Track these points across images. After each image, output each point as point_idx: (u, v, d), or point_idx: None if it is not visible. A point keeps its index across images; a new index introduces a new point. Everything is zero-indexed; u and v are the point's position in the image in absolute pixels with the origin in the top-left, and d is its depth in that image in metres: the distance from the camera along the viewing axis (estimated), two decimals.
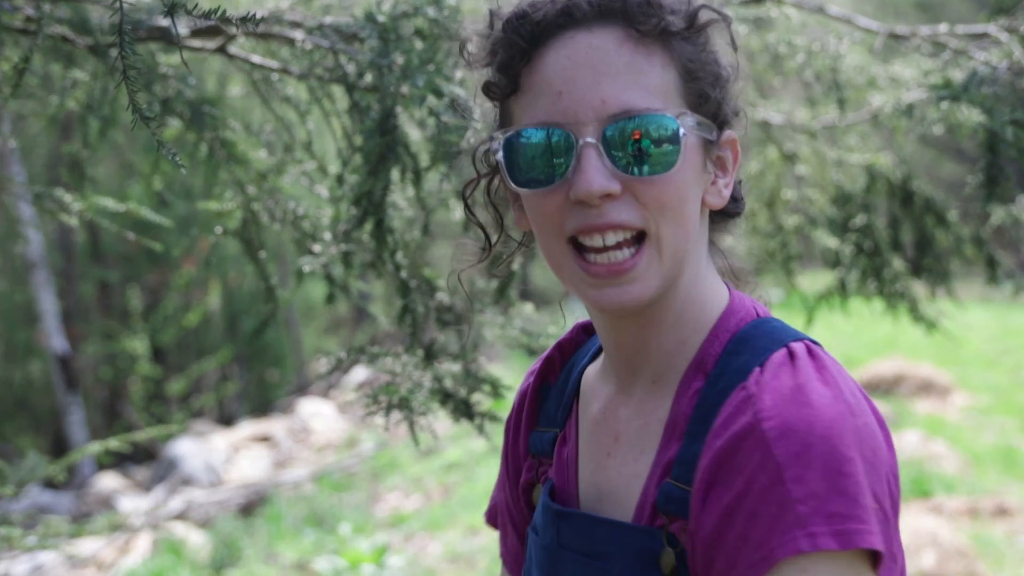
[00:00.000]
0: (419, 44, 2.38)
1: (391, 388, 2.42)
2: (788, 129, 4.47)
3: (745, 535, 1.12)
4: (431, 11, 2.39)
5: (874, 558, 1.12)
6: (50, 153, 12.07)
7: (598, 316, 1.37)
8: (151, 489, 10.48)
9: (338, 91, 2.77)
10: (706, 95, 1.28)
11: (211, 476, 10.49)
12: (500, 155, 1.30)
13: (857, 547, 1.09)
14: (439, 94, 2.26)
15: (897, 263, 4.21)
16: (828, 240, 4.40)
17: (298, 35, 2.56)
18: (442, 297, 2.69)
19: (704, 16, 1.29)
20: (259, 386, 16.48)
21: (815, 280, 4.97)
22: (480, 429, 2.56)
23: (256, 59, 2.85)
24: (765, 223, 4.68)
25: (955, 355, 11.66)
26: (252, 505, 9.29)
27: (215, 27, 2.61)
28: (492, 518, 1.65)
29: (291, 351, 16.79)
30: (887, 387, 10.71)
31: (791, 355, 1.22)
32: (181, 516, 8.92)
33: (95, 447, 3.86)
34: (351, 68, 2.46)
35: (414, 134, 2.55)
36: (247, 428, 13.01)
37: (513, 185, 1.30)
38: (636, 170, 1.22)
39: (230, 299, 15.66)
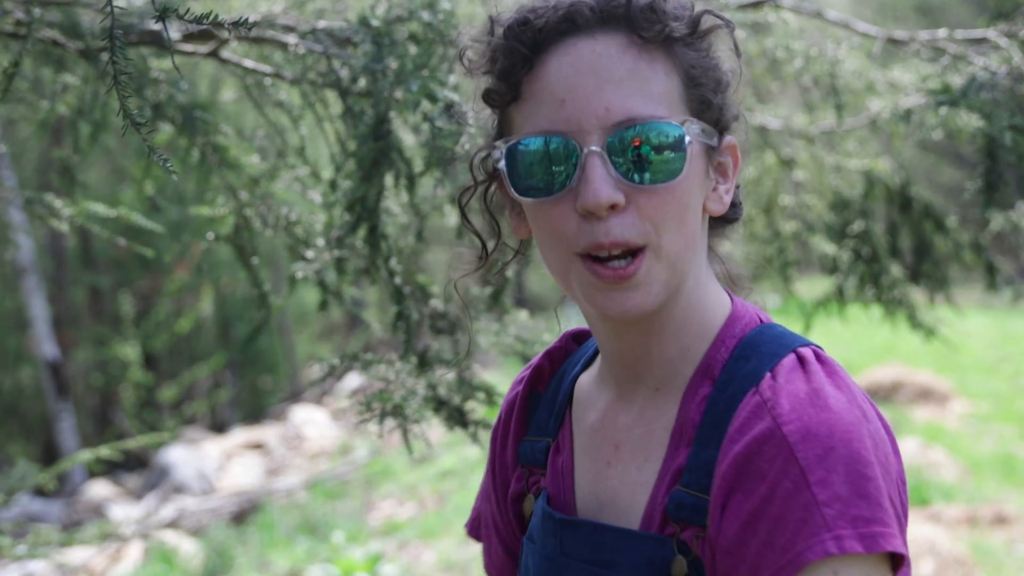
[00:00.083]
0: (413, 49, 2.36)
1: (385, 395, 2.41)
2: (786, 134, 4.47)
3: (770, 540, 1.11)
4: (425, 15, 2.37)
5: (894, 561, 1.12)
6: (40, 158, 12.05)
7: (600, 324, 1.35)
8: (143, 497, 10.44)
9: (331, 96, 2.75)
10: (708, 101, 1.27)
11: (203, 484, 10.46)
12: (502, 163, 1.28)
13: (882, 550, 1.09)
14: (433, 99, 2.25)
15: (895, 269, 4.21)
16: (826, 246, 4.40)
17: (291, 39, 2.55)
18: (436, 304, 2.67)
19: (707, 22, 1.28)
20: (252, 393, 16.46)
21: (813, 286, 4.97)
22: (474, 437, 2.54)
23: (249, 63, 2.83)
24: (762, 229, 4.67)
25: (954, 362, 11.67)
26: (244, 513, 9.26)
27: (207, 31, 2.59)
28: (474, 530, 1.64)
29: (284, 358, 16.77)
30: (885, 394, 10.70)
31: (801, 360, 1.22)
32: (173, 524, 8.89)
33: (86, 455, 3.84)
34: (344, 73, 2.45)
35: (408, 139, 2.53)
36: (239, 435, 12.98)
37: (515, 194, 1.28)
38: (641, 178, 1.21)
39: (223, 305, 15.64)
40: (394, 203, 2.54)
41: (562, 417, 1.46)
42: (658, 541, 1.24)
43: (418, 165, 2.42)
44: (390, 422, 2.40)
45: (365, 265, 2.55)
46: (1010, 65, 2.79)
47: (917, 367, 11.55)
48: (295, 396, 15.90)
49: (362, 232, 2.39)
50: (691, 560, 1.21)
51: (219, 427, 14.98)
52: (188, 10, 1.33)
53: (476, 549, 7.36)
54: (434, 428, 2.58)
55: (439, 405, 2.53)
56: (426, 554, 7.56)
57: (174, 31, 2.61)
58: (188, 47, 2.76)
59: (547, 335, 2.81)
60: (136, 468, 12.11)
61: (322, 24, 2.55)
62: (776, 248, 4.68)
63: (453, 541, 7.68)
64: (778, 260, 4.69)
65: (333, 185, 2.60)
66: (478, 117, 1.41)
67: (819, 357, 1.23)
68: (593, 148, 1.20)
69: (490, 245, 1.43)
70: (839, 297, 4.36)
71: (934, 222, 4.18)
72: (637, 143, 1.20)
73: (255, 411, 15.79)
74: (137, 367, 13.91)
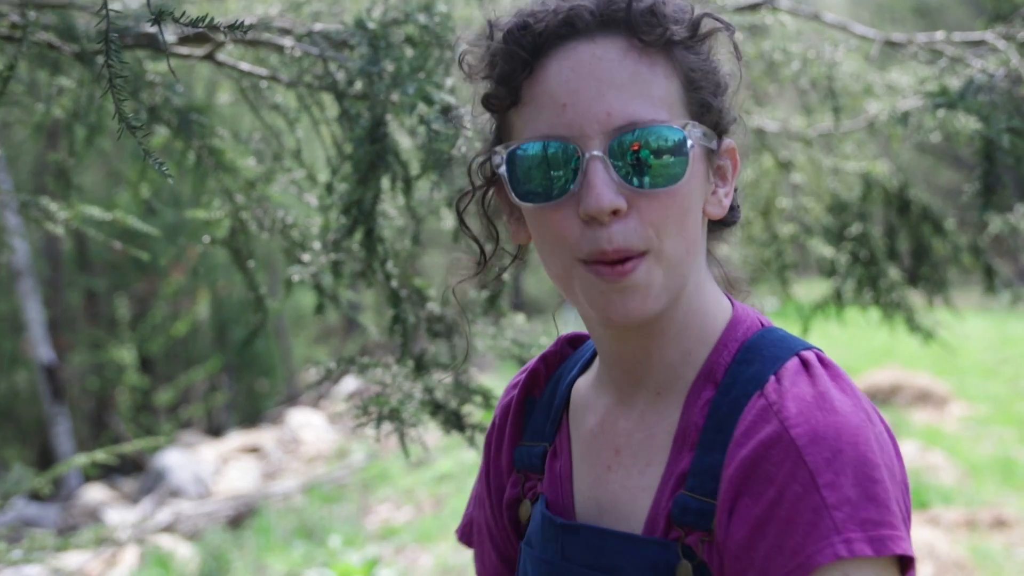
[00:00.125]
0: (410, 51, 2.36)
1: (381, 399, 2.40)
2: (783, 137, 4.47)
3: (779, 543, 1.12)
4: (422, 18, 2.37)
5: (902, 564, 1.13)
6: (36, 161, 12.04)
7: (600, 328, 1.34)
8: (138, 501, 10.41)
9: (328, 99, 2.75)
10: (708, 104, 1.27)
11: (199, 488, 10.44)
12: (503, 169, 1.28)
13: (891, 553, 1.10)
14: (430, 102, 2.24)
15: (893, 272, 4.21)
16: (824, 249, 4.40)
17: (287, 42, 2.54)
18: (433, 307, 2.66)
19: (707, 25, 1.28)
20: (248, 396, 16.43)
21: (811, 289, 4.97)
22: (471, 440, 2.54)
23: (244, 66, 2.83)
24: (760, 232, 4.68)
25: (953, 364, 11.67)
26: (241, 517, 9.24)
27: (203, 34, 2.58)
28: (466, 536, 1.63)
29: (281, 361, 16.75)
30: (884, 397, 10.70)
31: (804, 364, 1.23)
32: (169, 528, 8.86)
33: (82, 459, 3.82)
34: (341, 75, 2.44)
35: (404, 142, 2.52)
36: (236, 439, 12.96)
37: (516, 199, 1.28)
38: (643, 183, 1.21)
39: (219, 308, 15.62)
40: (390, 206, 2.53)
41: (559, 422, 1.45)
42: (662, 546, 1.24)
43: (414, 168, 2.42)
44: (387, 426, 2.39)
45: (361, 268, 2.54)
46: (1008, 67, 2.79)
47: (916, 370, 11.55)
48: (292, 400, 15.88)
49: (358, 235, 2.38)
50: (696, 564, 1.21)
51: (215, 431, 14.95)
52: (184, 13, 1.32)
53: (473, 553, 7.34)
54: (431, 432, 2.57)
55: (436, 409, 2.53)
56: (423, 558, 7.55)
57: (170, 34, 2.60)
58: (184, 50, 2.75)
59: (544, 338, 2.81)
60: (132, 472, 12.08)
61: (318, 27, 2.55)
62: (774, 251, 4.69)
63: (450, 545, 7.67)
64: (776, 263, 4.69)
65: (329, 188, 2.60)
66: (475, 120, 1.40)
67: (822, 360, 1.24)
68: (595, 153, 1.20)
69: (488, 250, 1.42)
70: (837, 300, 4.36)
71: (932, 225, 4.18)
72: (636, 147, 1.20)
73: (251, 415, 15.76)
74: (133, 371, 13.89)
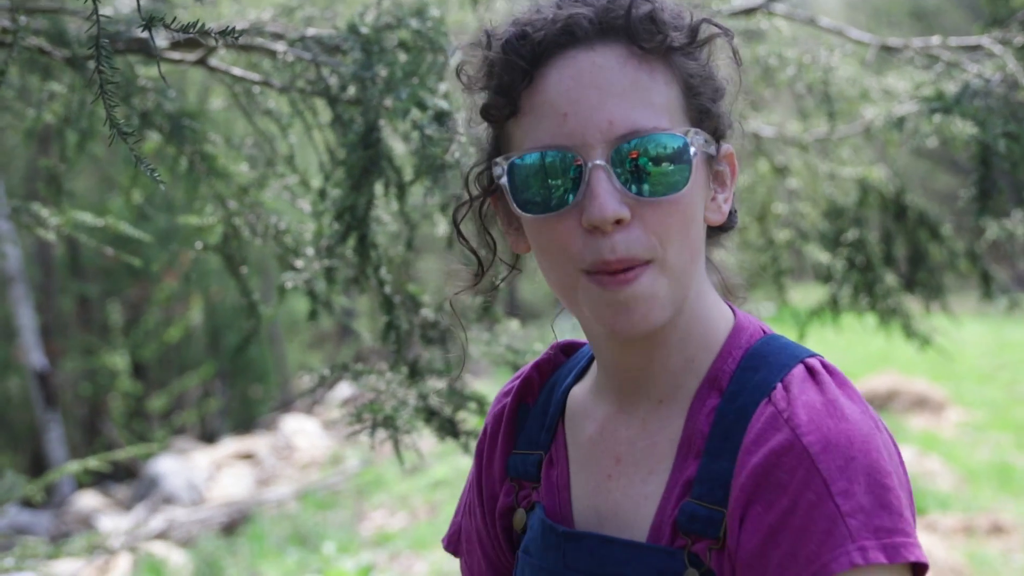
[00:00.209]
0: (403, 56, 2.35)
1: (375, 406, 2.39)
2: (779, 142, 4.47)
3: (793, 552, 1.12)
4: (415, 23, 2.36)
5: (915, 571, 1.14)
6: (27, 166, 12.00)
7: (602, 339, 1.34)
8: (132, 508, 10.38)
9: (320, 104, 2.74)
10: (707, 110, 1.27)
11: (193, 494, 10.41)
12: (504, 179, 1.27)
13: (904, 560, 1.10)
14: (423, 107, 2.23)
15: (890, 278, 4.21)
16: (820, 255, 4.41)
17: (280, 47, 2.53)
18: (427, 313, 2.65)
19: (706, 31, 1.27)
20: (242, 402, 16.40)
21: (807, 294, 4.97)
22: (465, 447, 2.53)
23: (237, 71, 2.82)
24: (756, 237, 4.68)
25: (950, 370, 11.67)
26: (235, 524, 9.21)
27: (195, 39, 2.57)
28: (453, 544, 1.62)
29: (275, 367, 16.72)
30: (881, 403, 10.69)
31: (810, 371, 1.23)
32: (162, 535, 8.84)
33: (74, 466, 3.81)
34: (334, 81, 2.43)
35: (398, 147, 2.52)
36: (230, 445, 12.93)
37: (518, 210, 1.27)
38: (642, 191, 1.20)
39: (212, 314, 15.59)
40: (384, 212, 2.52)
41: (554, 430, 1.44)
42: (668, 554, 1.23)
43: (408, 173, 2.41)
44: (381, 433, 2.38)
45: (355, 274, 2.54)
46: (1004, 72, 2.78)
47: (913, 375, 11.54)
48: (286, 406, 15.85)
49: (352, 241, 2.38)
50: (703, 572, 1.21)
51: (209, 437, 14.91)
52: (174, 19, 1.31)
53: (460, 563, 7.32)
54: (425, 438, 2.56)
55: (430, 415, 2.52)
56: (418, 565, 7.53)
57: (161, 39, 2.59)
58: (176, 55, 2.74)
59: (538, 344, 2.80)
60: (125, 479, 12.04)
61: (311, 32, 2.54)
62: (770, 256, 4.69)
63: (445, 552, 7.64)
64: (772, 268, 4.69)
65: (322, 194, 2.59)
66: (468, 127, 1.39)
67: (827, 368, 1.24)
68: (598, 162, 1.19)
69: (486, 261, 1.41)
70: (833, 306, 4.36)
71: (929, 230, 4.18)
72: (635, 155, 1.19)
73: (245, 421, 15.73)
74: (126, 376, 13.85)
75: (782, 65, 3.85)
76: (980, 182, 2.68)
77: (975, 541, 6.73)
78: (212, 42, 2.54)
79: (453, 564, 7.32)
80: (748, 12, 3.40)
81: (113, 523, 9.47)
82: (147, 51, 2.65)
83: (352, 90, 2.37)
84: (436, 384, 2.55)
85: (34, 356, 11.06)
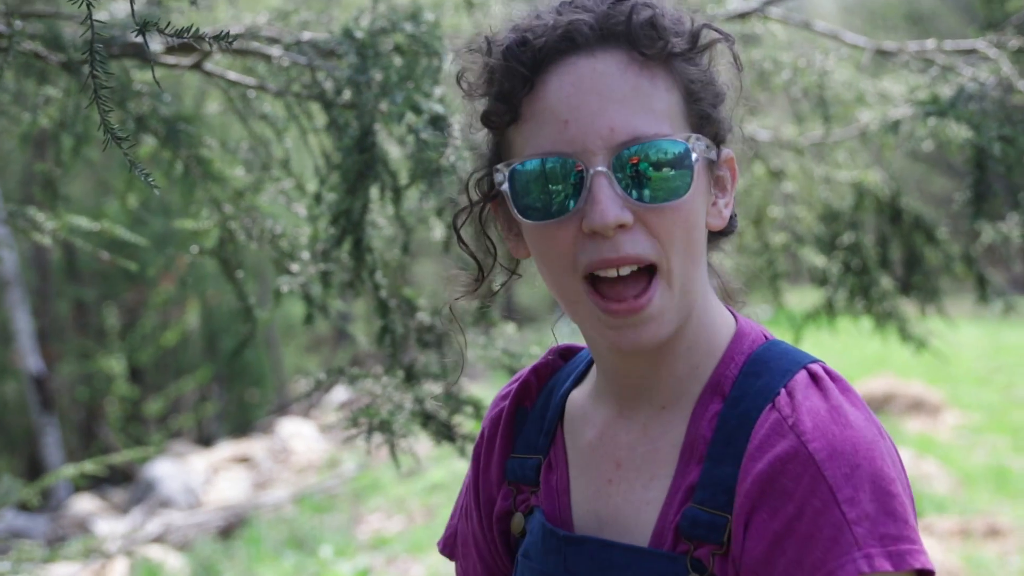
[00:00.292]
0: (398, 60, 2.35)
1: (371, 411, 2.39)
2: (775, 146, 4.48)
3: (799, 559, 1.12)
4: (409, 27, 2.36)
5: None
6: (23, 171, 11.99)
7: (603, 346, 1.33)
8: (128, 512, 10.36)
9: (316, 108, 2.74)
10: (708, 115, 1.27)
11: (189, 498, 10.39)
12: (506, 186, 1.27)
13: (910, 568, 1.11)
14: (418, 111, 2.23)
15: (886, 281, 4.22)
16: (815, 258, 4.41)
17: (275, 51, 2.53)
18: (422, 317, 2.65)
19: (706, 36, 1.27)
20: (239, 406, 16.38)
21: (803, 298, 4.96)
22: (462, 451, 2.53)
23: (232, 76, 2.82)
24: (752, 241, 4.69)
25: (946, 373, 11.65)
26: (231, 528, 9.20)
27: (190, 44, 2.57)
28: (448, 548, 1.62)
29: (271, 370, 16.70)
30: (877, 405, 10.67)
31: (813, 377, 1.23)
32: (159, 539, 8.82)
33: (71, 469, 3.81)
34: (329, 85, 2.44)
35: (393, 151, 2.52)
36: (226, 449, 12.92)
37: (520, 216, 1.26)
38: (643, 196, 1.20)
39: (209, 318, 15.57)
40: (379, 216, 2.52)
41: (553, 434, 1.44)
42: (670, 559, 1.23)
43: (403, 177, 2.41)
44: (378, 437, 2.38)
45: (350, 278, 2.54)
46: (999, 76, 2.79)
47: (909, 378, 11.54)
48: (282, 409, 15.82)
49: (347, 245, 2.37)
50: None
51: (205, 441, 14.89)
52: (169, 23, 1.31)
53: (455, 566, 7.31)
54: (422, 442, 2.56)
55: (426, 419, 2.52)
56: (414, 568, 7.52)
57: (156, 44, 2.59)
58: (171, 59, 2.74)
59: (535, 348, 2.80)
60: (122, 482, 12.02)
61: (306, 36, 2.54)
62: (766, 260, 4.69)
63: (441, 555, 7.64)
64: (768, 272, 4.70)
65: (318, 198, 2.59)
66: (468, 133, 1.39)
67: (829, 374, 1.24)
68: (600, 168, 1.19)
69: (486, 266, 1.41)
70: (829, 309, 4.36)
71: (925, 234, 4.18)
72: (635, 161, 1.19)
73: (242, 424, 15.71)
74: (122, 380, 13.83)
75: (777, 69, 3.85)
76: (975, 185, 2.68)
77: (971, 544, 6.73)
78: (207, 47, 2.55)
79: (449, 567, 7.30)
80: (743, 16, 3.40)
81: (110, 527, 9.45)
82: (142, 56, 2.65)
83: (347, 94, 2.37)
84: (432, 388, 2.55)
85: (30, 360, 11.04)
